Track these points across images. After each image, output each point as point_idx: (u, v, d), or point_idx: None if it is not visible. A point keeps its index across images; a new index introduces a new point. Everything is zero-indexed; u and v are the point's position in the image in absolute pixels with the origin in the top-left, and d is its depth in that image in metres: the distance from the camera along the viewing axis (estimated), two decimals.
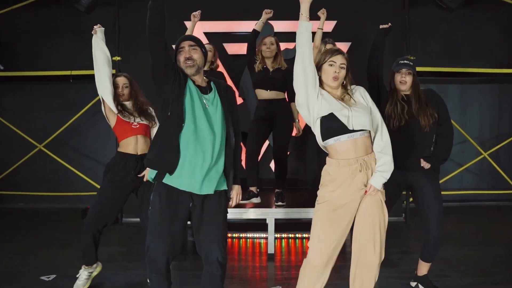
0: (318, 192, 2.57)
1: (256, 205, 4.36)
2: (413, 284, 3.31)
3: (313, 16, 5.42)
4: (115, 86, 3.49)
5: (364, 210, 2.49)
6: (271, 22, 5.53)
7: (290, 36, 5.51)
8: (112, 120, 3.42)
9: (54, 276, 3.63)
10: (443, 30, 6.48)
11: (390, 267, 3.81)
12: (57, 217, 5.89)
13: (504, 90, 6.65)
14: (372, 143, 2.53)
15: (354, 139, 2.45)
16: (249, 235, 4.78)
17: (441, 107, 3.13)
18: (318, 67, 2.57)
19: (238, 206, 4.26)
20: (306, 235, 4.72)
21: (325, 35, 5.37)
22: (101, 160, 6.44)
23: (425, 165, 3.06)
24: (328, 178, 2.51)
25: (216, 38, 5.64)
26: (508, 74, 6.37)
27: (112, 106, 3.37)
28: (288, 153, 4.67)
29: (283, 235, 4.72)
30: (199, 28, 5.60)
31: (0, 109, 6.47)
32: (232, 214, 4.29)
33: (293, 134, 4.52)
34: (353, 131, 2.44)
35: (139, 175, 3.31)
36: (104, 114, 3.46)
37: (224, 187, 2.52)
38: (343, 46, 5.56)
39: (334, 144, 2.48)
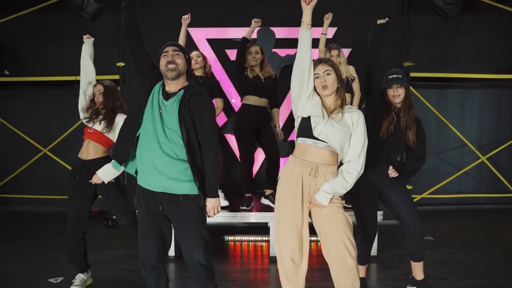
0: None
1: (257, 209, 4.44)
2: None
3: (315, 23, 5.52)
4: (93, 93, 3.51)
5: (325, 220, 2.58)
6: (272, 28, 5.62)
7: (291, 43, 5.61)
8: None
9: (62, 278, 3.70)
10: (443, 36, 6.57)
11: (391, 269, 3.89)
12: (62, 220, 5.94)
13: (503, 95, 6.73)
14: (337, 161, 2.62)
15: (318, 146, 2.56)
16: (251, 238, 4.86)
17: (421, 134, 3.17)
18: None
19: (240, 210, 4.38)
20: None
21: (326, 41, 5.49)
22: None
23: (392, 173, 3.13)
24: (282, 173, 2.68)
25: (219, 45, 5.73)
26: (507, 80, 6.46)
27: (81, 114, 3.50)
28: None
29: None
30: (202, 34, 5.71)
31: (6, 113, 6.58)
32: (234, 218, 4.37)
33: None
34: (317, 139, 2.55)
35: (89, 181, 3.33)
36: None
37: (192, 192, 2.52)
38: (344, 52, 5.62)
39: (300, 143, 2.63)
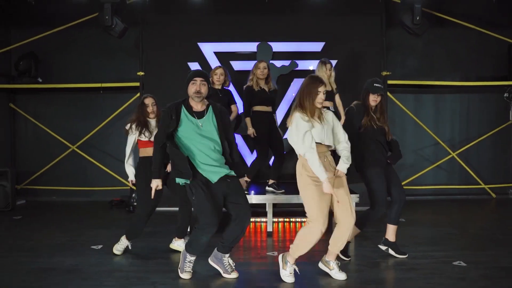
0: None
1: (257, 193, 5.39)
2: (383, 247, 4.31)
3: (308, 37, 6.48)
4: (145, 105, 4.43)
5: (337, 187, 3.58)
6: (269, 43, 6.56)
7: (285, 55, 6.56)
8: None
9: (102, 246, 4.65)
10: (419, 48, 7.54)
11: (366, 240, 4.83)
12: (87, 208, 6.91)
13: (472, 100, 7.69)
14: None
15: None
16: (252, 219, 5.80)
17: None
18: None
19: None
20: (299, 219, 5.77)
21: (315, 55, 6.47)
22: (123, 159, 7.44)
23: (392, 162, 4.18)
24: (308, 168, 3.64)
25: (224, 57, 6.68)
26: (475, 86, 7.41)
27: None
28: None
29: (279, 219, 5.76)
30: (210, 48, 6.67)
31: (38, 115, 7.54)
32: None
33: None
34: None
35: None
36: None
37: (233, 173, 3.63)
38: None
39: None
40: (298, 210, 6.05)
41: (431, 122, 7.58)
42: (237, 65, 6.63)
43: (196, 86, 3.52)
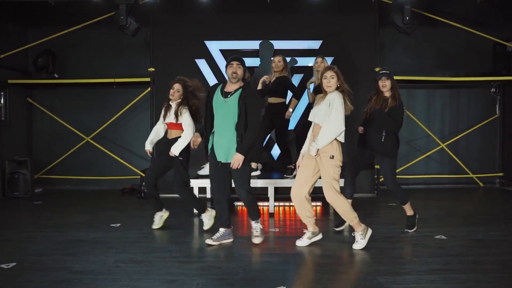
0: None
1: (259, 177, 5.92)
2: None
3: (304, 36, 6.95)
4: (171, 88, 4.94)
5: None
6: (271, 41, 7.04)
7: (286, 53, 7.00)
8: None
9: (120, 224, 5.16)
10: (411, 46, 8.02)
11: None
12: (100, 195, 7.39)
13: (461, 94, 8.18)
14: None
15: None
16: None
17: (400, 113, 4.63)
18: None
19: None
20: None
21: (313, 52, 6.94)
22: (134, 150, 8.00)
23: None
24: None
25: (229, 54, 7.00)
26: (464, 81, 7.89)
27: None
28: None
29: (280, 204, 6.26)
30: (216, 46, 7.15)
31: (54, 109, 8.03)
32: None
33: None
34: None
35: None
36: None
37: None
38: (328, 60, 7.05)
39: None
40: None
41: (423, 116, 8.07)
42: None
43: (232, 69, 4.08)
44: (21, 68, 7.86)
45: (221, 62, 7.05)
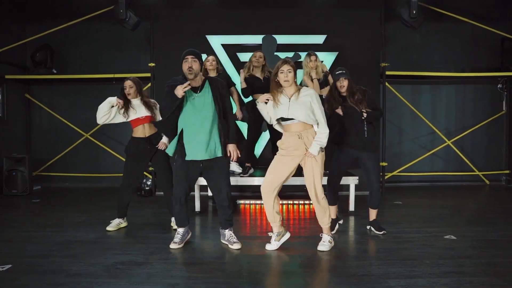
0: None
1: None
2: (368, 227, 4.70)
3: (308, 30, 6.82)
4: (123, 88, 4.81)
5: (306, 167, 3.93)
6: (275, 36, 6.89)
7: (289, 47, 6.89)
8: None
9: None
10: (416, 41, 7.87)
11: (363, 219, 5.20)
12: (99, 193, 7.25)
13: (467, 91, 8.03)
14: (311, 126, 3.91)
15: (292, 123, 3.91)
16: (258, 202, 6.17)
17: (371, 101, 4.44)
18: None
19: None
20: (301, 202, 6.15)
21: (317, 47, 6.79)
22: None
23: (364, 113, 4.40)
24: (280, 143, 3.97)
25: (231, 49, 7.01)
26: (469, 77, 7.74)
27: (121, 119, 4.79)
28: None
29: (283, 202, 6.12)
30: (217, 41, 6.99)
31: (53, 105, 7.89)
32: (243, 181, 5.72)
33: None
34: (289, 119, 3.89)
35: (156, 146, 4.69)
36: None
37: (219, 154, 3.99)
38: (332, 56, 6.93)
39: (284, 126, 3.96)
40: (302, 194, 6.47)
41: (428, 112, 7.92)
42: (244, 57, 6.95)
43: (188, 63, 3.84)
44: (19, 63, 7.71)
45: (223, 57, 6.90)
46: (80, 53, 7.81)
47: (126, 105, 4.75)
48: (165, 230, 4.72)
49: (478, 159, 8.03)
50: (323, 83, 5.65)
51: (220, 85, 4.05)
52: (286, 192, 6.63)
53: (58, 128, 7.86)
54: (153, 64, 7.05)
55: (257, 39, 6.93)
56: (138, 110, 4.74)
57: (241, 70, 5.75)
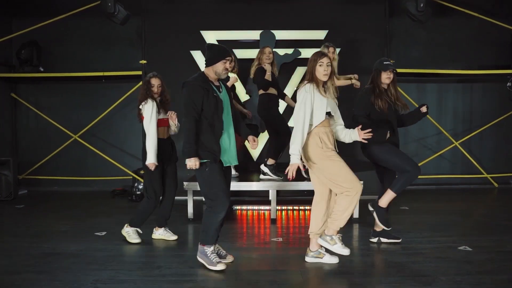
0: None
1: (259, 180, 5.38)
2: (374, 239, 4.24)
3: (310, 26, 6.48)
4: (151, 84, 4.32)
5: None
6: (273, 31, 6.53)
7: (289, 43, 6.54)
8: None
9: (105, 232, 4.64)
10: (422, 37, 7.51)
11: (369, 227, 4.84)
12: (89, 197, 6.88)
13: (474, 89, 7.67)
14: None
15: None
16: (255, 207, 5.80)
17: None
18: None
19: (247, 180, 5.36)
20: (302, 207, 5.78)
21: (318, 43, 6.45)
22: (126, 149, 7.49)
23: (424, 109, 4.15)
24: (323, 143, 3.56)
25: (227, 45, 6.48)
26: (477, 75, 7.38)
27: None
28: None
29: (283, 207, 5.76)
30: (212, 36, 6.62)
31: (40, 105, 7.51)
32: (240, 187, 5.34)
33: None
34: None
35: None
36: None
37: (236, 162, 3.66)
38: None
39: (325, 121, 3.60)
40: (303, 199, 6.10)
41: (434, 112, 7.55)
42: (240, 53, 6.58)
43: (227, 64, 3.52)
44: (4, 61, 7.33)
45: None
46: (68, 50, 7.43)
47: (157, 101, 4.32)
48: (153, 241, 4.35)
49: (486, 161, 7.66)
50: None
51: (228, 88, 3.76)
52: (284, 197, 6.27)
53: (45, 129, 7.49)
54: (144, 62, 6.68)
55: (254, 35, 6.58)
56: (165, 111, 4.36)
57: (258, 64, 5.38)
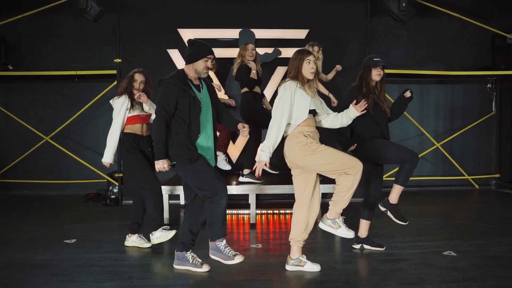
0: None
1: (239, 183, 5.17)
2: (357, 246, 4.10)
3: (291, 25, 6.33)
4: (133, 80, 4.16)
5: None
6: (252, 30, 6.35)
7: (269, 42, 6.37)
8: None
9: (75, 240, 4.39)
10: (403, 37, 7.43)
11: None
12: (62, 202, 6.59)
13: (456, 90, 7.63)
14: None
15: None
16: (234, 211, 5.60)
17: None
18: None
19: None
20: (283, 211, 5.61)
21: (299, 42, 6.30)
22: (101, 151, 7.14)
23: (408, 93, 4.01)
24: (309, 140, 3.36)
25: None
26: (459, 76, 7.33)
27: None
28: None
29: (263, 211, 5.57)
30: (190, 34, 6.40)
31: (9, 105, 7.15)
32: None
33: None
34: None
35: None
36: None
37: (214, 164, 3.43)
38: None
39: (309, 119, 3.42)
40: (283, 202, 5.94)
41: (416, 113, 7.48)
42: (218, 52, 6.37)
43: (209, 63, 3.31)
44: None
45: None
46: (40, 47, 7.09)
47: (132, 97, 4.14)
48: (126, 249, 4.12)
49: (467, 163, 7.63)
50: None
51: (212, 87, 3.53)
52: (264, 201, 6.10)
53: (16, 130, 7.14)
54: (119, 60, 6.42)
55: (233, 33, 6.39)
56: (141, 107, 4.17)
57: (241, 62, 5.17)
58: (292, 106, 3.28)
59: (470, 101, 7.63)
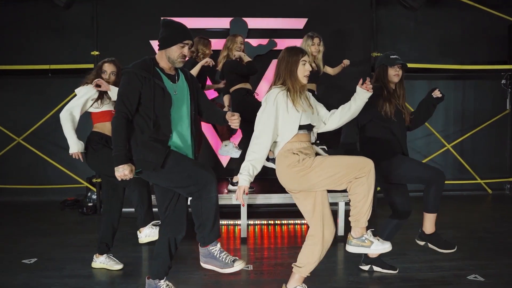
0: None
1: (228, 192, 4.55)
2: (365, 267, 3.53)
3: (286, 13, 5.76)
4: (101, 71, 3.59)
5: None
6: (244, 19, 5.74)
7: (263, 33, 5.78)
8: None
9: (35, 259, 3.77)
10: (410, 29, 6.82)
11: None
12: (36, 209, 5.98)
13: (467, 86, 7.03)
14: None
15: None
16: (224, 222, 4.98)
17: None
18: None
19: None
20: (278, 221, 5.00)
21: (296, 33, 5.71)
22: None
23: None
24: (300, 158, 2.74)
25: (193, 34, 5.74)
26: (470, 71, 6.73)
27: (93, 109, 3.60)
28: None
29: (256, 222, 4.96)
30: None
31: None
32: None
33: None
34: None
35: None
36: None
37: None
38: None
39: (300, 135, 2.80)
40: (279, 210, 5.35)
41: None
42: None
43: (185, 50, 2.71)
44: None
45: None
46: (9, 39, 6.43)
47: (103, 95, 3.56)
48: (94, 271, 3.50)
49: (479, 165, 7.02)
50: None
51: (194, 78, 2.94)
52: (258, 209, 5.49)
53: None
54: (97, 53, 5.80)
55: (223, 23, 5.77)
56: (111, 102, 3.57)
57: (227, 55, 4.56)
58: (278, 121, 2.66)
59: (483, 98, 7.02)
